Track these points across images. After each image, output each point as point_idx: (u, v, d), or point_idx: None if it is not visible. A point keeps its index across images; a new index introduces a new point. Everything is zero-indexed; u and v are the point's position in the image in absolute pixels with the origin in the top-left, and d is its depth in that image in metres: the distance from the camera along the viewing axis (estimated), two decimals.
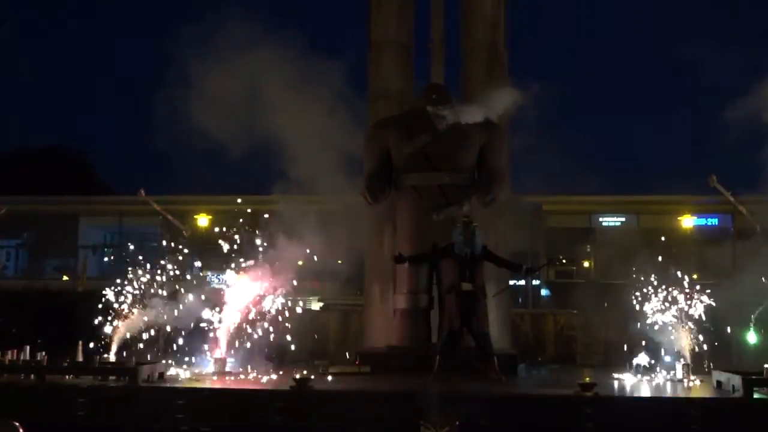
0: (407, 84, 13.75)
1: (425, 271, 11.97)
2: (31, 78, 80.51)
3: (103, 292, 11.47)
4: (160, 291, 11.70)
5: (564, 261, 25.54)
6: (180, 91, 12.66)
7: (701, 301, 10.95)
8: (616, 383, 10.50)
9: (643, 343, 11.31)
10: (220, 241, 12.01)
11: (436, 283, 11.89)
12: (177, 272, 12.00)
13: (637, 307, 11.31)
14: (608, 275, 20.29)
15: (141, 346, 11.41)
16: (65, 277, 25.10)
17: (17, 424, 6.60)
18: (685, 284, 11.09)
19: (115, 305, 11.36)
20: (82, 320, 11.60)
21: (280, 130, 12.51)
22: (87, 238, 27.92)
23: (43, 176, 35.37)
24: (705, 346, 11.02)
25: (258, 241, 11.94)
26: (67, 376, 9.95)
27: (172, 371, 10.80)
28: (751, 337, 10.03)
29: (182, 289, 11.98)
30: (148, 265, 11.64)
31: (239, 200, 12.43)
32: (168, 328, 11.66)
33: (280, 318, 11.89)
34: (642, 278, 11.31)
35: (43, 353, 10.24)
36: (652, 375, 10.95)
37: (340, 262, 12.79)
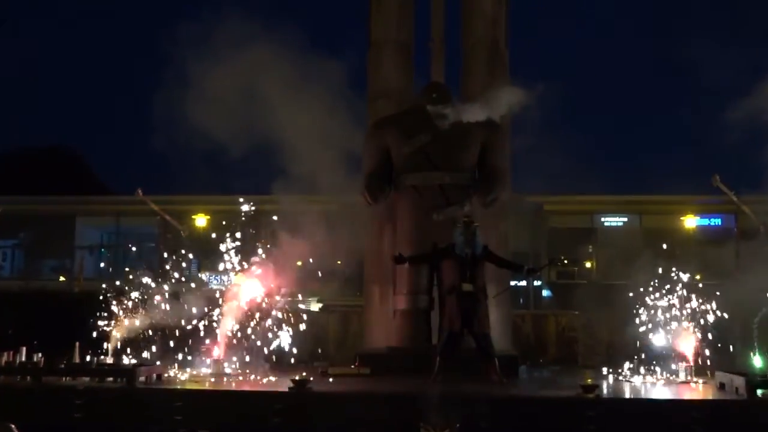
0: (407, 83, 13.71)
1: (425, 271, 11.90)
2: (30, 78, 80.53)
3: (103, 292, 11.40)
4: (159, 292, 11.63)
5: (566, 261, 25.48)
6: (178, 91, 12.62)
7: (704, 302, 10.87)
8: (618, 385, 10.42)
9: (646, 344, 11.24)
10: (220, 244, 11.95)
11: (436, 283, 11.81)
12: (175, 274, 11.94)
13: (640, 308, 11.23)
14: (610, 276, 20.22)
15: (139, 347, 11.35)
16: (62, 278, 25.05)
17: (13, 426, 6.56)
18: (688, 285, 11.01)
19: (114, 306, 11.29)
20: (79, 321, 11.53)
21: (279, 129, 12.45)
22: (84, 239, 27.82)
23: (42, 176, 35.34)
24: (708, 348, 10.95)
25: (258, 242, 11.88)
26: (63, 378, 9.90)
27: (170, 373, 10.72)
28: (757, 361, 9.94)
29: (183, 288, 11.92)
30: (145, 266, 11.57)
31: (241, 200, 12.31)
32: (166, 330, 11.59)
33: (279, 319, 11.82)
34: (644, 279, 11.23)
35: (40, 355, 10.21)
36: (655, 377, 10.88)
37: (339, 262, 12.73)
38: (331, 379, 10.61)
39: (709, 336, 11.03)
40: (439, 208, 11.93)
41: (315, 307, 14.82)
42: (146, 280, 11.77)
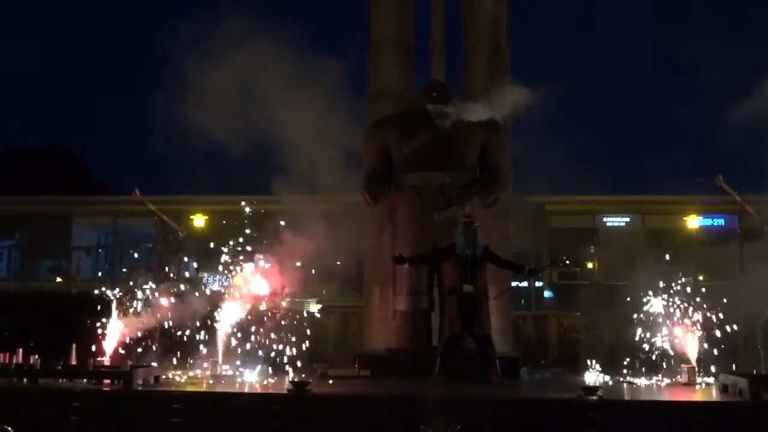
0: (407, 82, 13.66)
1: (426, 272, 11.82)
2: (29, 77, 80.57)
3: (103, 293, 11.34)
4: (157, 293, 11.57)
5: (567, 262, 25.44)
6: (177, 91, 12.54)
7: (707, 303, 10.81)
8: (620, 387, 10.35)
9: (648, 346, 11.18)
10: (220, 246, 11.90)
11: (436, 284, 11.74)
12: (173, 275, 11.90)
13: (642, 309, 11.16)
14: (612, 276, 20.20)
15: (137, 348, 11.30)
16: (59, 279, 25.00)
17: (9, 428, 6.50)
18: (691, 286, 10.95)
19: (112, 307, 11.22)
20: (76, 323, 11.46)
21: (278, 129, 12.39)
22: (81, 239, 27.74)
23: (39, 175, 35.24)
24: (711, 350, 10.88)
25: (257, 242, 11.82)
26: (60, 380, 9.80)
27: (168, 375, 10.66)
28: None
29: (181, 288, 11.86)
30: (143, 267, 11.53)
31: (243, 204, 12.27)
32: (164, 331, 11.54)
33: (279, 320, 11.76)
34: (647, 280, 11.17)
35: (36, 356, 10.13)
36: (657, 378, 10.81)
37: (339, 263, 12.67)
38: (330, 381, 10.55)
39: (713, 337, 10.95)
40: (440, 208, 11.85)
41: (314, 308, 14.80)
42: (144, 281, 11.71)
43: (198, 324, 11.69)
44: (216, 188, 20.76)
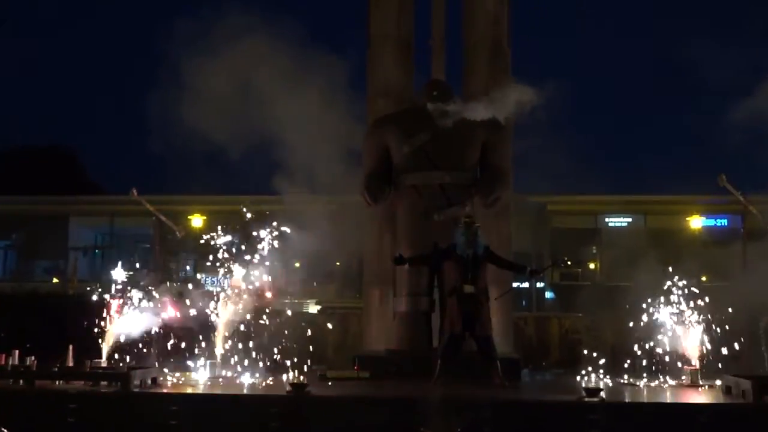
0: (407, 81, 13.61)
1: (426, 273, 11.76)
2: (28, 77, 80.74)
3: (101, 294, 11.28)
4: (158, 294, 11.52)
5: (569, 262, 25.39)
6: (175, 90, 12.50)
7: (710, 304, 10.73)
8: (622, 388, 10.31)
9: (651, 347, 11.11)
10: (218, 244, 11.83)
11: (437, 285, 11.69)
12: (171, 275, 11.84)
13: (644, 310, 11.09)
14: (614, 277, 20.15)
15: (135, 349, 11.23)
16: (55, 280, 24.95)
17: (5, 430, 6.44)
18: (694, 286, 10.88)
19: (111, 308, 11.16)
20: (73, 324, 11.40)
21: (277, 128, 12.32)
22: (77, 239, 27.73)
23: (37, 176, 35.22)
24: (714, 351, 10.81)
25: (256, 242, 11.76)
26: (56, 382, 9.75)
27: (165, 376, 10.58)
28: None
29: (179, 288, 11.81)
30: (139, 266, 11.47)
31: (244, 208, 12.21)
32: (161, 332, 11.48)
33: (278, 321, 11.70)
34: (649, 280, 11.10)
35: (33, 358, 10.05)
36: (660, 380, 10.74)
37: (338, 263, 12.61)
38: (329, 383, 10.49)
39: (715, 339, 10.88)
40: (440, 208, 11.78)
41: (313, 309, 14.76)
42: (143, 282, 11.65)
43: (197, 325, 11.62)
44: (214, 188, 20.69)
